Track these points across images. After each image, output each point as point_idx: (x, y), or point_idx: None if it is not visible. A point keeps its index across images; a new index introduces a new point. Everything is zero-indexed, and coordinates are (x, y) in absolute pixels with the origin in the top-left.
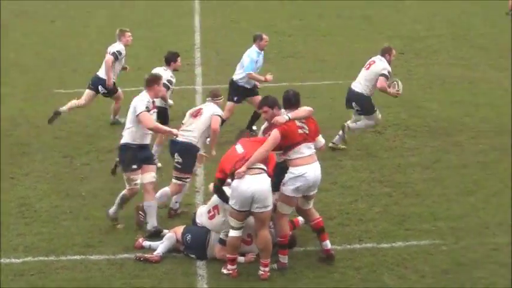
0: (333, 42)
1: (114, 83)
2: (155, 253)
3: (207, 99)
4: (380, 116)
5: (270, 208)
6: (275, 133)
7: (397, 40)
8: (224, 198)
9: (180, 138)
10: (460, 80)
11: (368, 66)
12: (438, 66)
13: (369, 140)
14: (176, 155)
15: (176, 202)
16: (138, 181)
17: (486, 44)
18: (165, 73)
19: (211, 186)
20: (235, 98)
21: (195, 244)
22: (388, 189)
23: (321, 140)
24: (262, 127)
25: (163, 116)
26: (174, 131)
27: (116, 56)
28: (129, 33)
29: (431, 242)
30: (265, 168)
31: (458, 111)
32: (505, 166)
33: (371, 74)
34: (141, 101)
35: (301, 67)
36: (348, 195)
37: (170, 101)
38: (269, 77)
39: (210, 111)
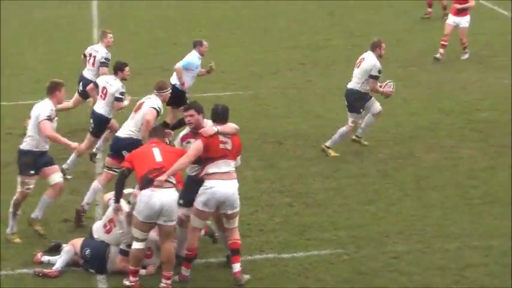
0: (233, 53)
1: None
2: (54, 268)
3: (153, 91)
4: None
5: (175, 222)
6: (198, 144)
7: (296, 50)
8: (119, 193)
9: (121, 134)
10: None
11: (358, 64)
12: (337, 76)
13: (270, 150)
14: (124, 152)
15: (87, 204)
16: (32, 186)
17: (385, 54)
18: (115, 82)
19: (106, 197)
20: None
21: (95, 258)
22: (288, 199)
23: (239, 160)
24: (181, 134)
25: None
26: (73, 144)
27: (106, 64)
28: (111, 35)
29: (332, 252)
30: (174, 182)
31: None
32: (404, 174)
33: (361, 71)
34: (44, 108)
35: (203, 78)
36: (249, 206)
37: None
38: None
39: (149, 104)
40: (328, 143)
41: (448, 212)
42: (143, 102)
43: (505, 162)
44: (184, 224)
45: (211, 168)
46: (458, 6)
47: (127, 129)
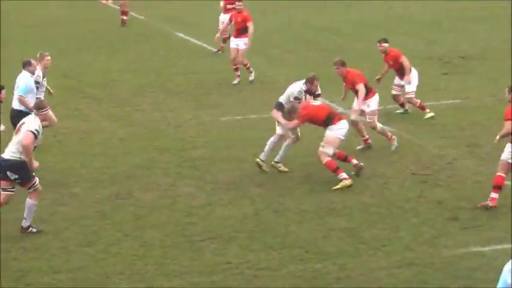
0: None
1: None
2: None
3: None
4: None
5: None
6: None
7: None
8: None
9: (6, 156)
10: (74, 131)
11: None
12: None
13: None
14: (9, 173)
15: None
16: None
17: (98, 94)
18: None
19: None
20: None
21: None
22: None
23: None
24: None
25: None
26: None
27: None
28: (48, 57)
29: None
30: None
31: (73, 162)
32: (123, 214)
33: None
34: None
35: None
36: None
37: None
38: None
39: (26, 126)
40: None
41: (168, 250)
42: (23, 124)
43: (221, 198)
44: None
45: None
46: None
47: (10, 152)
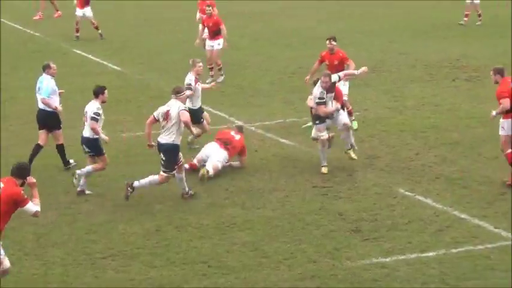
0: None
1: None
2: None
3: (171, 96)
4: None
5: None
6: None
7: None
8: None
9: (162, 140)
10: None
11: None
12: None
13: None
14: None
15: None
16: None
17: None
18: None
19: None
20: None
21: None
22: None
23: None
24: None
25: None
26: None
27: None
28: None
29: None
30: None
31: None
32: (23, 233)
33: None
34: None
35: None
36: None
37: (104, 136)
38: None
39: (176, 108)
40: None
41: (70, 268)
42: (168, 110)
43: (123, 215)
44: None
45: None
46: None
47: (165, 137)
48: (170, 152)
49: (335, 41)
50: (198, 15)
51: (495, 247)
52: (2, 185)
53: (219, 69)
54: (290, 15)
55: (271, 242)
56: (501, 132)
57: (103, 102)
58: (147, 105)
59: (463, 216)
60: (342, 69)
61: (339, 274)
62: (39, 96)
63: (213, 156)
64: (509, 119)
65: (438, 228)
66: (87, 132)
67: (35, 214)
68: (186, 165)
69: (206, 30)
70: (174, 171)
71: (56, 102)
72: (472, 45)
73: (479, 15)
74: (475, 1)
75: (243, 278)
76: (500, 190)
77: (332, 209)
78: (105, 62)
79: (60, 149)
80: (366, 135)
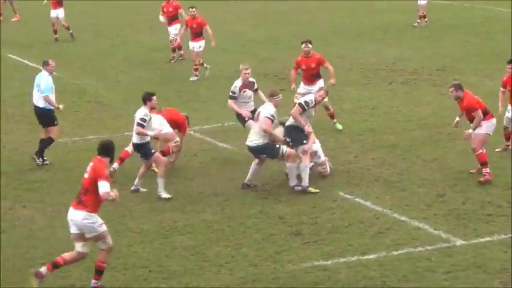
0: None
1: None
2: None
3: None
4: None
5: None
6: None
7: None
8: None
9: (250, 144)
10: None
11: None
12: None
13: None
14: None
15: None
16: None
17: None
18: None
19: None
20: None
21: None
22: None
23: None
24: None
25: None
26: None
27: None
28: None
29: None
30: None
31: None
32: (5, 240)
33: None
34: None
35: None
36: None
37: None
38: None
39: (263, 113)
40: None
41: (9, 274)
42: (259, 112)
43: (62, 220)
44: None
45: None
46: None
47: (253, 138)
48: (263, 150)
49: (311, 44)
50: (161, 18)
51: (435, 249)
52: (91, 164)
53: (195, 69)
54: (225, 19)
55: (212, 246)
56: (479, 131)
57: (152, 108)
58: (83, 110)
59: (402, 218)
60: (318, 72)
61: (280, 277)
62: (37, 94)
63: None
64: (488, 120)
65: (378, 231)
66: (135, 138)
67: (103, 194)
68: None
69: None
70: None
71: (53, 99)
72: (409, 48)
73: (424, 17)
74: (421, 2)
75: (185, 282)
76: (439, 192)
77: (272, 213)
78: (41, 67)
79: (47, 142)
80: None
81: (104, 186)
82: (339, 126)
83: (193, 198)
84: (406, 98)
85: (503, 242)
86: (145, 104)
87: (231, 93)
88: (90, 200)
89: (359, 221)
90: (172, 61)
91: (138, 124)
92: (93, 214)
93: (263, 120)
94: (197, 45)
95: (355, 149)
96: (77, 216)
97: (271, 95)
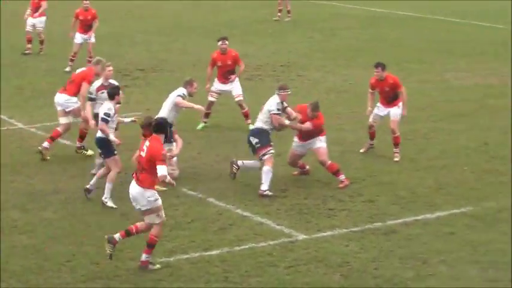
0: None
1: None
2: None
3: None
4: None
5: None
6: None
7: None
8: None
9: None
10: None
11: None
12: None
13: None
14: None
15: None
16: None
17: None
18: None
19: None
20: None
21: None
22: None
23: None
24: None
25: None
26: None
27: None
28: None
29: None
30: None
31: None
32: None
33: None
34: None
35: None
36: None
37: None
38: None
39: (267, 105)
40: None
41: None
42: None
43: None
44: None
45: None
46: None
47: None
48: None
49: (227, 41)
50: (28, 11)
51: (277, 244)
52: (147, 143)
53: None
54: (67, 14)
55: (53, 244)
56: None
57: (118, 103)
58: None
59: (245, 214)
60: (234, 70)
61: (122, 275)
62: None
63: None
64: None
65: (221, 227)
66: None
67: (161, 177)
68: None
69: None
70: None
71: None
72: (253, 44)
73: (288, 12)
74: None
75: (25, 281)
76: (281, 187)
77: (114, 210)
78: None
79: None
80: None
81: (162, 170)
82: (252, 127)
83: (34, 196)
84: (251, 94)
85: (344, 236)
86: (112, 99)
87: (88, 95)
88: (147, 178)
89: (202, 217)
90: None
91: (103, 119)
92: (149, 189)
93: (272, 117)
94: (89, 38)
95: (199, 145)
96: (134, 191)
97: (282, 88)
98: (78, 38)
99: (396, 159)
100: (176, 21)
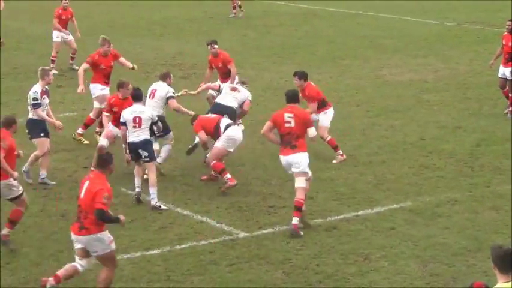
0: None
1: None
2: None
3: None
4: None
5: None
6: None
7: None
8: None
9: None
10: None
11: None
12: None
13: None
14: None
15: None
16: None
17: None
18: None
19: None
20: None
21: None
22: None
23: None
24: None
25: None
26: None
27: None
28: None
29: None
30: None
31: None
32: None
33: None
34: None
35: None
36: None
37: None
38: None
39: (250, 98)
40: None
41: None
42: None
43: None
44: None
45: None
46: None
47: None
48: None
49: (216, 44)
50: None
51: (218, 242)
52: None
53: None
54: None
55: None
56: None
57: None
58: None
59: (185, 212)
60: (227, 71)
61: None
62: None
63: None
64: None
65: (162, 226)
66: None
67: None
68: None
69: None
70: None
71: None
72: (188, 42)
73: (240, 6)
74: None
75: None
76: (220, 185)
77: (53, 211)
78: None
79: None
80: (88, 134)
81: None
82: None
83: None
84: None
85: (285, 233)
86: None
87: (33, 102)
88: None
89: (142, 216)
90: None
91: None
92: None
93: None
94: (65, 35)
95: None
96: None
97: (244, 83)
98: (58, 36)
99: (335, 161)
100: (109, 19)
